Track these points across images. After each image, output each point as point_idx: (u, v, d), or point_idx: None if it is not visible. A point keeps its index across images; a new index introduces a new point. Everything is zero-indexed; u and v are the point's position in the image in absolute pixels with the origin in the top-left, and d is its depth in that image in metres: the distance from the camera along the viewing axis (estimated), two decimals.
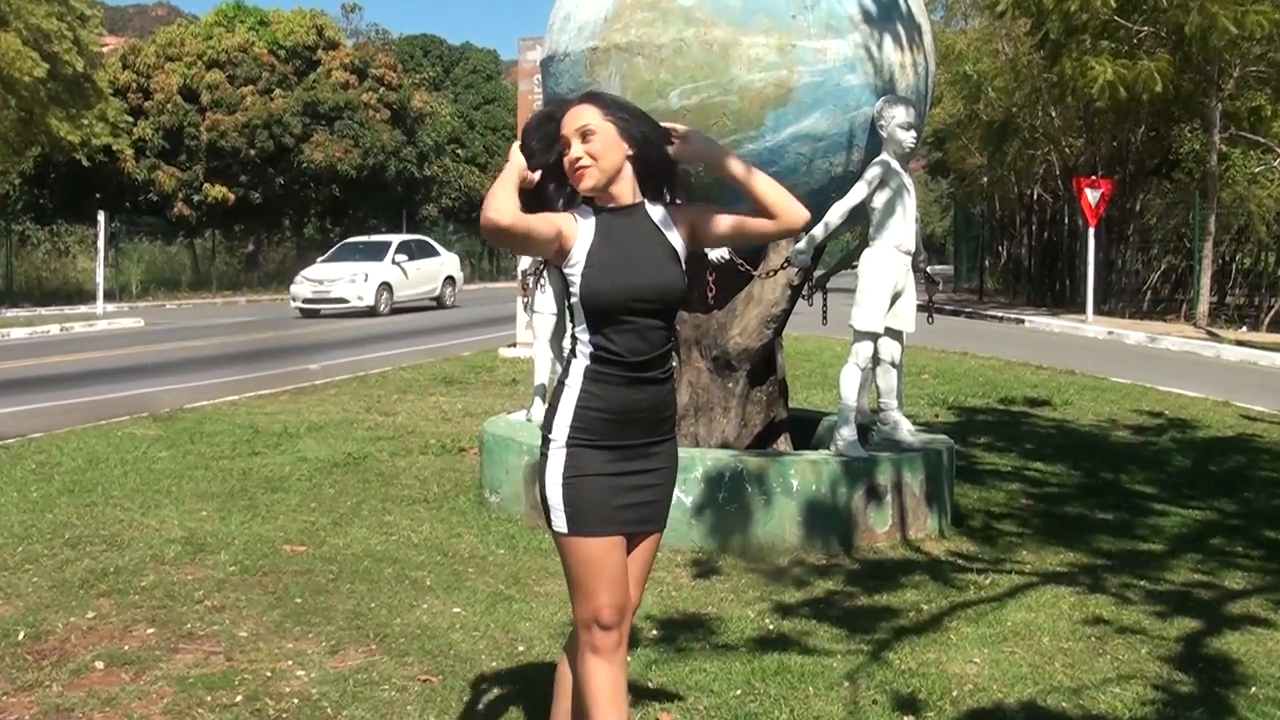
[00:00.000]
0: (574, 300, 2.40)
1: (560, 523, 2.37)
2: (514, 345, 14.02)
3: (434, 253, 24.63)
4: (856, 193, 5.11)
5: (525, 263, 6.52)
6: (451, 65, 49.17)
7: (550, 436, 2.39)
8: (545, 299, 6.46)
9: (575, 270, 2.40)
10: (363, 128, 31.67)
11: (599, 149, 2.41)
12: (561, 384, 2.45)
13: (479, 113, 47.61)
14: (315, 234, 35.85)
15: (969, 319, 22.29)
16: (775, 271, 5.33)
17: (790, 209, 2.42)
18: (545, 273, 6.26)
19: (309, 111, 31.24)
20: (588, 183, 2.41)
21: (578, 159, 2.40)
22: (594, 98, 2.47)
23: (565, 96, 5.49)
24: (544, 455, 2.40)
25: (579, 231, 2.42)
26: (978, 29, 25.53)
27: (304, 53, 33.08)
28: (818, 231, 5.13)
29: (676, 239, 2.47)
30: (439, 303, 24.11)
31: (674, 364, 2.49)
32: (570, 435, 2.38)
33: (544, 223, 2.38)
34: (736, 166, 2.45)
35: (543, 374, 6.59)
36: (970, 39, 23.87)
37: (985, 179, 29.37)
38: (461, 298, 25.80)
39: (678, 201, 2.52)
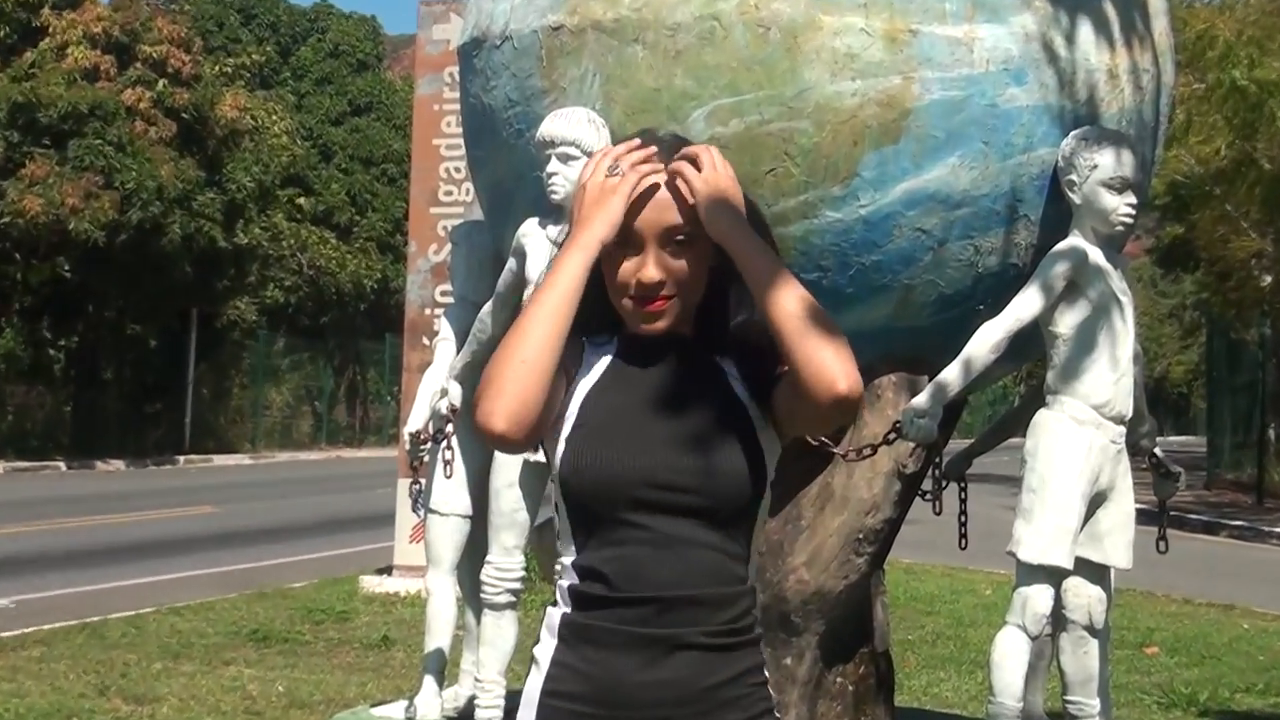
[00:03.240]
0: (557, 491, 2.63)
1: None
2: (389, 570, 13.96)
3: None
4: (1024, 306, 5.20)
5: (415, 419, 6.59)
6: (294, 43, 50.40)
7: None
8: (449, 490, 6.46)
9: (558, 438, 2.61)
10: (123, 154, 32.06)
11: (693, 272, 2.64)
12: (531, 657, 2.60)
13: (341, 129, 48.65)
14: (19, 347, 35.97)
15: (1235, 540, 22.23)
16: (873, 449, 5.37)
17: (824, 369, 2.47)
18: (452, 438, 6.33)
19: (20, 122, 31.65)
20: (662, 323, 2.64)
21: (658, 283, 2.60)
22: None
23: (566, 116, 5.65)
24: None
25: (580, 371, 2.67)
26: (1253, 3, 25.92)
27: (14, 14, 33.66)
28: (951, 376, 5.20)
29: (745, 395, 2.65)
30: None
31: (748, 622, 2.60)
32: None
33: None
34: (758, 262, 2.58)
35: (442, 630, 6.52)
36: (1240, 21, 24.03)
37: (1268, 279, 29.70)
38: (301, 471, 25.71)
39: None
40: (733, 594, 2.56)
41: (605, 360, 2.68)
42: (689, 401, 2.61)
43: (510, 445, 2.55)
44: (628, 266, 2.61)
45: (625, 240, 2.61)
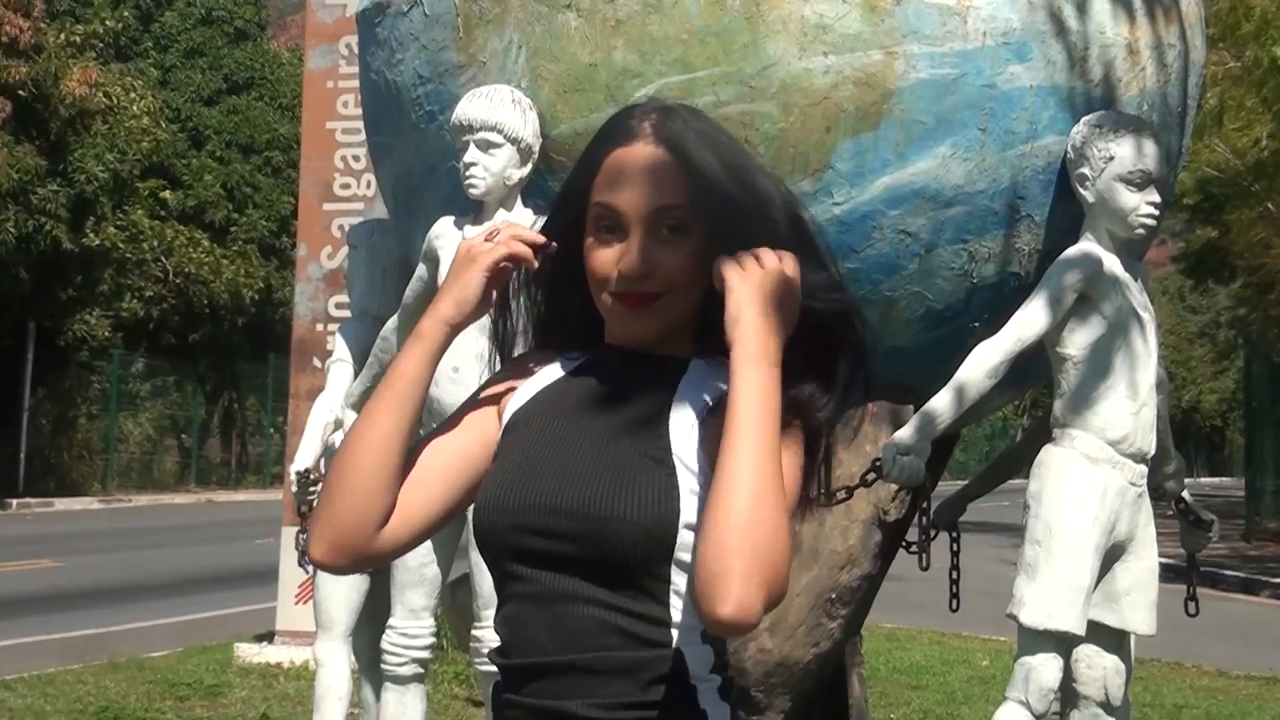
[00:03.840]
0: None
1: None
2: (269, 637, 13.90)
3: None
4: (1027, 323, 5.24)
5: (304, 455, 6.60)
6: (157, 8, 50.13)
7: None
8: None
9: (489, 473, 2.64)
10: None
11: (688, 268, 2.56)
12: None
13: (215, 110, 48.38)
14: None
15: (1278, 602, 22.30)
16: (848, 492, 5.40)
17: (717, 582, 2.32)
18: None
19: None
20: (647, 326, 2.60)
21: (641, 275, 2.55)
22: (700, 151, 2.58)
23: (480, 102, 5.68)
24: None
25: (520, 391, 2.70)
26: None
27: None
28: (941, 406, 5.23)
29: (690, 435, 2.56)
30: None
31: (660, 696, 2.51)
32: None
33: (465, 437, 2.68)
34: (746, 402, 2.41)
35: (334, 708, 6.56)
36: None
37: None
38: (164, 518, 25.48)
39: None
40: (633, 660, 2.50)
41: (554, 378, 2.69)
42: (605, 433, 2.59)
43: (337, 570, 2.61)
44: (609, 255, 2.57)
45: (609, 225, 2.58)
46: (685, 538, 2.47)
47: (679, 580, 2.50)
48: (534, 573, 2.51)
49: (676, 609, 2.52)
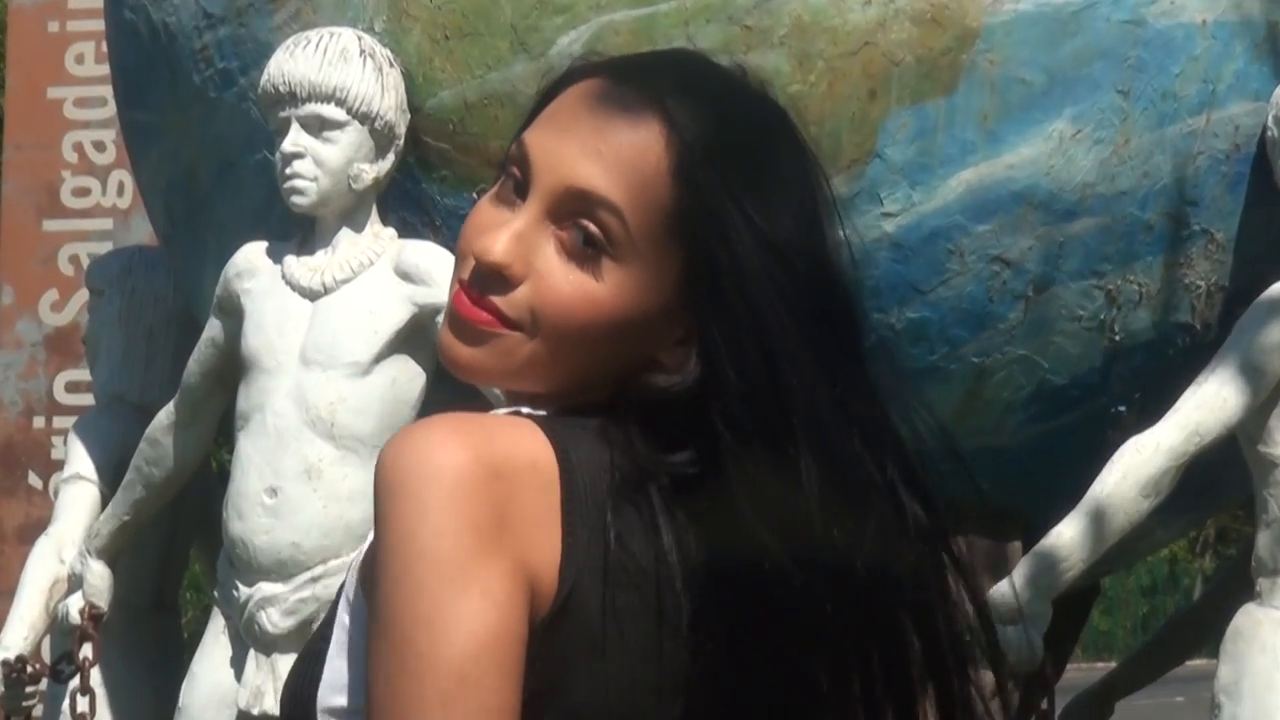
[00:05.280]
0: None
1: None
2: None
3: None
4: (1208, 408, 5.15)
5: (16, 633, 6.57)
6: None
7: None
8: None
9: None
10: None
11: (568, 299, 2.32)
12: None
13: None
14: None
15: None
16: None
17: None
18: (90, 671, 6.32)
19: None
20: (473, 357, 2.36)
21: (494, 272, 2.32)
22: (716, 143, 2.35)
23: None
24: None
25: None
26: None
27: None
28: (1066, 543, 5.15)
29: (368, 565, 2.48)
30: None
31: None
32: None
33: None
34: None
35: None
36: None
37: None
38: None
39: None
40: None
41: None
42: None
43: None
44: (488, 219, 2.39)
45: (517, 181, 2.39)
46: None
47: None
48: None
49: None
